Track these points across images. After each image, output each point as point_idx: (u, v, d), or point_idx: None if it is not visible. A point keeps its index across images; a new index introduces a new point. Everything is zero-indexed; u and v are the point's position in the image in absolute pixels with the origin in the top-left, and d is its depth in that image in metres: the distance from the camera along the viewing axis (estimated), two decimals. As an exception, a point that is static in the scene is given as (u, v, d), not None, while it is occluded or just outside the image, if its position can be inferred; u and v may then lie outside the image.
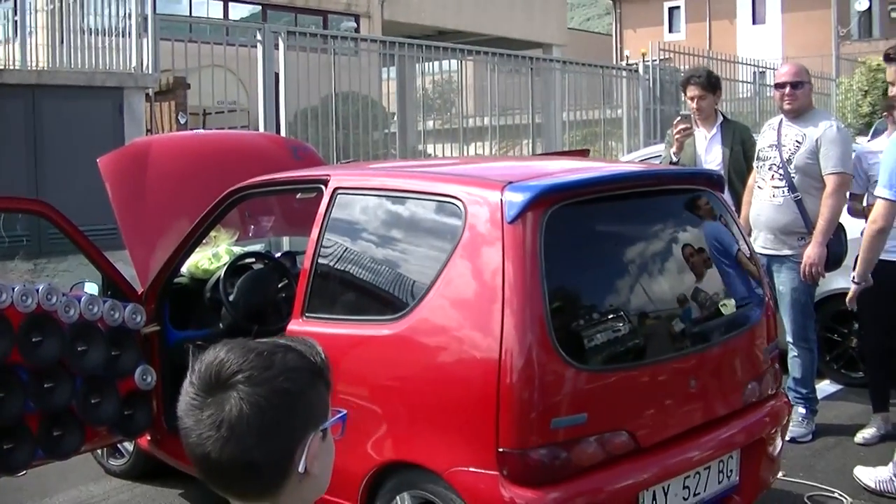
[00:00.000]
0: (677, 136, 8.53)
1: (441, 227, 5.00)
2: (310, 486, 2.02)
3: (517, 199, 4.62)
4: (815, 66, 26.05)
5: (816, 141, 7.33)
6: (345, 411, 2.10)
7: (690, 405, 5.07)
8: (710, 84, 8.64)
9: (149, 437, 6.57)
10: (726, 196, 6.05)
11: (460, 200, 4.86)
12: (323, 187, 5.63)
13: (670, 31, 48.17)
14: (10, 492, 7.04)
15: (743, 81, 23.64)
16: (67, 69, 14.40)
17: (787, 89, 7.56)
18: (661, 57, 20.92)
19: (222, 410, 1.91)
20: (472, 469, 4.56)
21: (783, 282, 7.53)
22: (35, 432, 5.68)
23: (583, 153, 8.88)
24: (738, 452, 5.25)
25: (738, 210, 7.54)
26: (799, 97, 7.52)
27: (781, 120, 7.61)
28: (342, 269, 5.44)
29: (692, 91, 8.66)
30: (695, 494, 5.00)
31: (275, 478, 1.96)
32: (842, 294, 8.06)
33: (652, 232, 5.30)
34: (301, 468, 1.96)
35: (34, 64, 14.90)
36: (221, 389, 1.92)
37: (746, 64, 24.32)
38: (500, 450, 4.45)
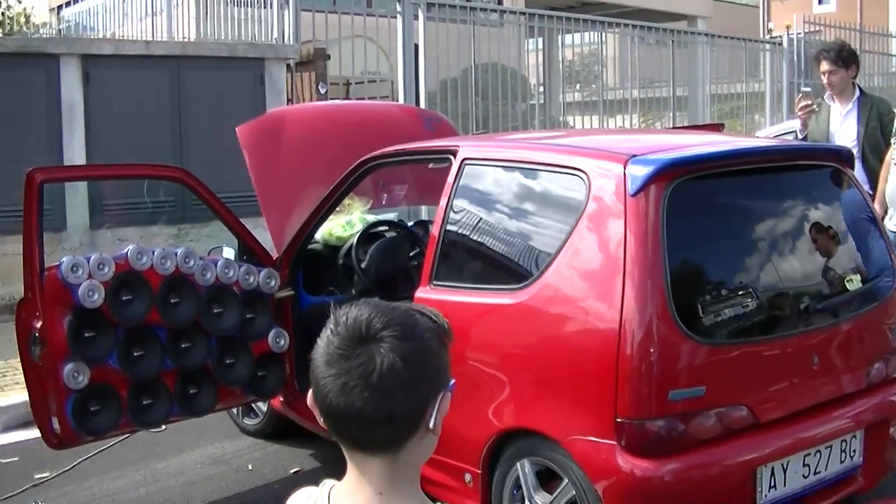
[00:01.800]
0: (800, 114, 8.43)
1: (565, 199, 5.04)
2: (427, 444, 2.08)
3: (640, 172, 4.64)
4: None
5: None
6: (453, 380, 2.15)
7: (812, 382, 5.03)
8: (842, 59, 8.48)
9: (281, 399, 6.75)
10: (858, 172, 5.98)
11: (585, 173, 4.90)
12: (452, 158, 5.72)
13: (819, 2, 47.04)
14: (148, 446, 7.31)
15: (895, 55, 23.06)
16: (211, 41, 14.70)
17: None
18: (807, 30, 20.51)
19: (372, 361, 1.97)
20: (590, 438, 4.61)
21: (917, 260, 7.39)
22: (172, 389, 5.90)
23: (716, 127, 8.80)
24: (861, 433, 5.17)
25: (873, 186, 7.39)
26: None
27: (922, 95, 7.46)
28: (469, 238, 5.52)
29: (823, 66, 8.55)
30: (815, 472, 4.96)
31: (405, 431, 2.02)
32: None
33: (777, 207, 5.26)
34: (431, 424, 2.03)
35: (180, 36, 15.24)
36: (370, 342, 1.99)
37: (898, 37, 23.75)
38: (619, 420, 4.50)
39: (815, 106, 8.49)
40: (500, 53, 15.67)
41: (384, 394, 1.97)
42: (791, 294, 5.07)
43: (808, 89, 8.77)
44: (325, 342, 2.04)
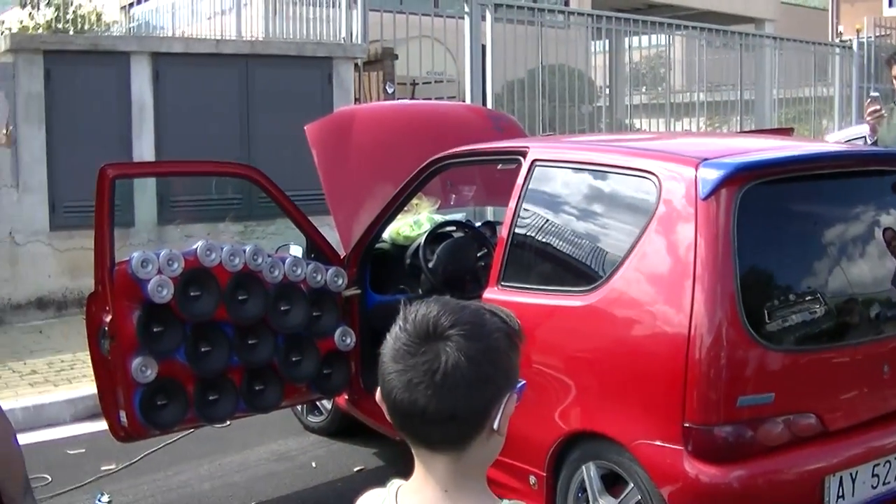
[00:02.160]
0: (869, 119, 8.33)
1: (635, 202, 5.02)
2: (493, 445, 2.07)
3: (711, 175, 4.61)
4: None
5: None
6: (523, 381, 2.14)
7: (883, 391, 4.97)
8: None
9: (346, 397, 6.77)
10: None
11: (655, 175, 4.87)
12: (521, 159, 5.70)
13: (890, 5, 46.37)
14: (214, 441, 7.36)
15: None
16: (279, 40, 14.76)
17: None
18: (878, 33, 20.26)
19: (438, 359, 1.97)
20: (656, 442, 4.59)
21: None
22: (238, 385, 5.95)
23: (786, 132, 8.72)
24: (933, 444, 5.10)
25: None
26: None
27: None
28: (537, 239, 5.51)
29: (895, 70, 8.46)
30: (885, 483, 4.89)
31: (469, 430, 2.01)
32: None
33: (848, 213, 5.19)
34: (496, 425, 2.02)
35: (249, 35, 15.32)
36: (437, 340, 1.99)
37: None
38: (686, 425, 4.47)
39: (884, 111, 8.39)
40: (566, 55, 15.63)
41: (448, 392, 1.96)
42: (861, 301, 5.01)
43: (877, 94, 8.67)
44: (393, 338, 2.04)
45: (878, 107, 8.34)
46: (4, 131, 10.62)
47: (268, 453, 7.34)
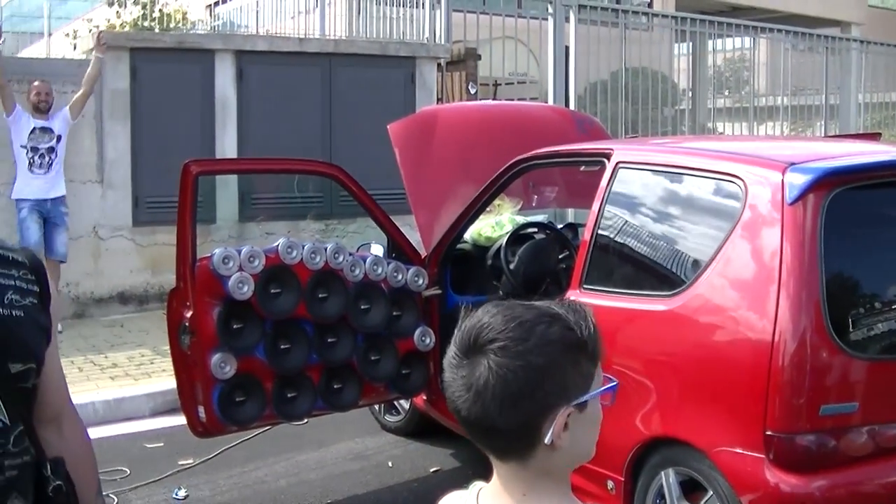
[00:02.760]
0: None
1: (720, 206, 4.97)
2: (563, 455, 2.01)
3: (799, 180, 4.54)
4: None
5: None
6: (615, 381, 2.10)
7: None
8: None
9: (424, 397, 6.76)
10: None
11: (741, 180, 4.81)
12: (606, 161, 5.66)
13: (981, 10, 45.57)
14: (291, 438, 7.40)
15: None
16: (363, 39, 14.82)
17: None
18: (968, 37, 19.95)
19: (473, 374, 1.94)
20: (737, 450, 4.53)
21: None
22: (316, 383, 5.96)
23: (873, 136, 8.59)
24: None
25: None
26: None
27: None
28: (621, 242, 5.47)
29: None
30: (971, 496, 4.81)
31: (520, 444, 1.98)
32: None
33: (939, 220, 5.10)
34: (547, 440, 1.96)
35: (332, 33, 15.40)
36: (476, 353, 1.96)
37: None
38: (768, 433, 4.41)
39: None
40: (649, 57, 15.55)
41: (482, 408, 1.94)
42: (949, 310, 4.91)
43: None
44: (450, 345, 2.03)
45: None
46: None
47: (344, 452, 7.36)
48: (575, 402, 1.98)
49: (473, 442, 2.04)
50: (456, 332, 2.03)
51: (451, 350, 2.02)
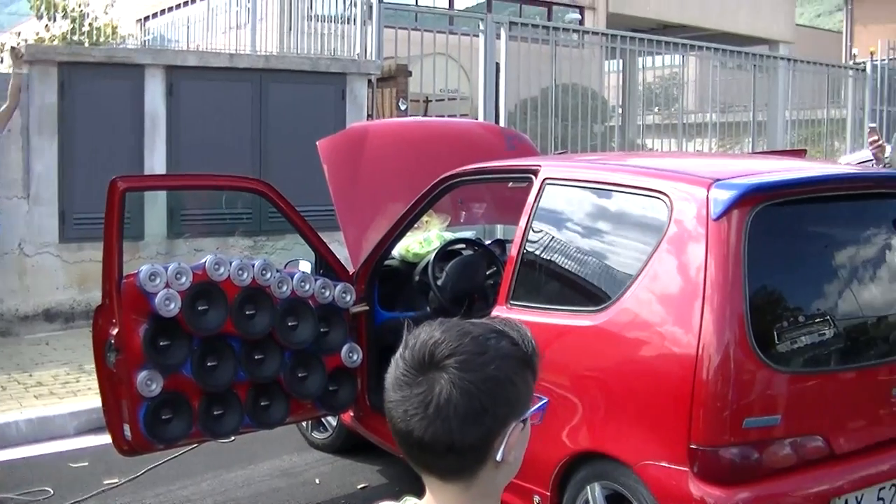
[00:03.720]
0: (871, 149, 8.40)
1: (646, 222, 5.01)
2: (504, 472, 2.04)
3: (723, 196, 4.60)
4: None
5: None
6: (546, 399, 2.12)
7: (891, 415, 4.95)
8: None
9: (352, 413, 6.75)
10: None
11: (667, 196, 4.86)
12: (533, 177, 5.69)
13: (906, 29, 46.22)
14: (218, 456, 7.34)
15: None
16: (294, 55, 14.79)
17: None
18: (892, 56, 20.24)
19: (432, 391, 1.93)
20: (662, 464, 4.57)
21: None
22: (244, 401, 5.94)
23: (799, 153, 8.70)
24: (941, 470, 5.08)
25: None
26: None
27: None
28: (547, 258, 5.50)
29: None
30: (889, 507, 4.88)
31: (472, 462, 1.98)
32: None
33: (860, 236, 5.18)
34: (499, 457, 1.98)
35: (263, 49, 15.36)
36: (433, 369, 1.95)
37: None
38: (692, 446, 4.45)
39: (881, 141, 8.45)
40: (580, 74, 15.65)
41: (442, 425, 1.93)
42: (871, 324, 5.02)
43: (874, 125, 8.76)
44: (394, 365, 2.01)
45: (876, 137, 8.43)
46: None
47: (272, 469, 7.32)
48: (522, 417, 2.01)
49: (416, 465, 2.03)
50: (402, 349, 2.02)
51: (400, 369, 1.99)
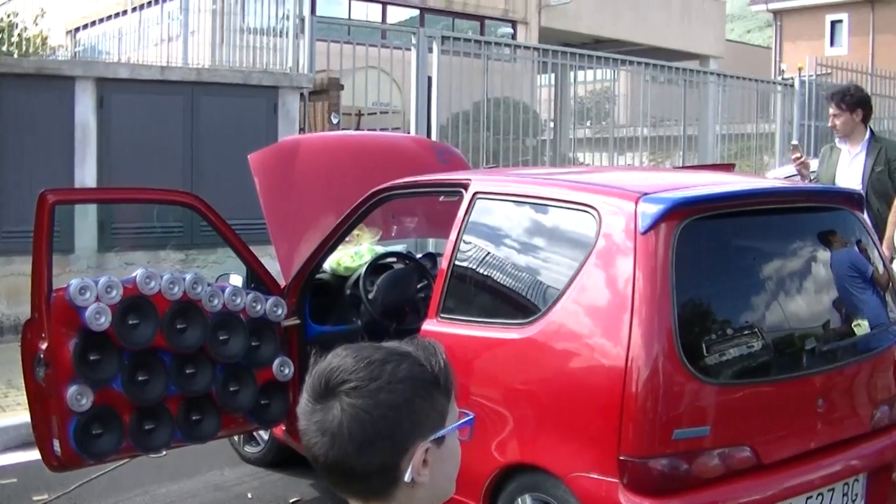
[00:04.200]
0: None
1: (575, 235, 5.06)
2: (426, 492, 2.04)
3: (651, 210, 4.66)
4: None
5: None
6: (472, 415, 2.13)
7: (816, 425, 5.02)
8: (846, 102, 8.59)
9: (284, 427, 6.74)
10: (866, 216, 5.98)
11: (596, 209, 4.91)
12: (463, 191, 5.72)
13: (832, 44, 46.87)
14: (150, 470, 7.29)
15: (905, 100, 23.00)
16: (226, 68, 14.75)
17: None
18: (819, 72, 20.52)
19: (326, 418, 1.96)
20: (592, 475, 4.61)
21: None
22: (175, 415, 5.90)
23: (727, 167, 8.81)
24: (864, 477, 5.17)
25: (878, 230, 7.37)
26: None
27: (932, 141, 7.45)
28: (477, 272, 5.53)
29: (830, 109, 8.73)
30: (818, 516, 4.96)
31: (380, 484, 2.00)
32: None
33: (787, 249, 5.26)
34: (407, 478, 1.98)
35: (195, 62, 15.29)
36: (329, 398, 1.97)
37: (909, 82, 23.64)
38: (621, 457, 4.50)
39: (804, 158, 8.60)
40: (512, 88, 15.73)
41: (339, 451, 1.96)
42: (798, 336, 5.07)
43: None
44: (303, 392, 2.04)
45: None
46: None
47: (203, 484, 7.28)
48: (432, 437, 2.01)
49: (334, 489, 2.05)
50: (307, 378, 2.04)
51: (304, 397, 2.02)
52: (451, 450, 2.07)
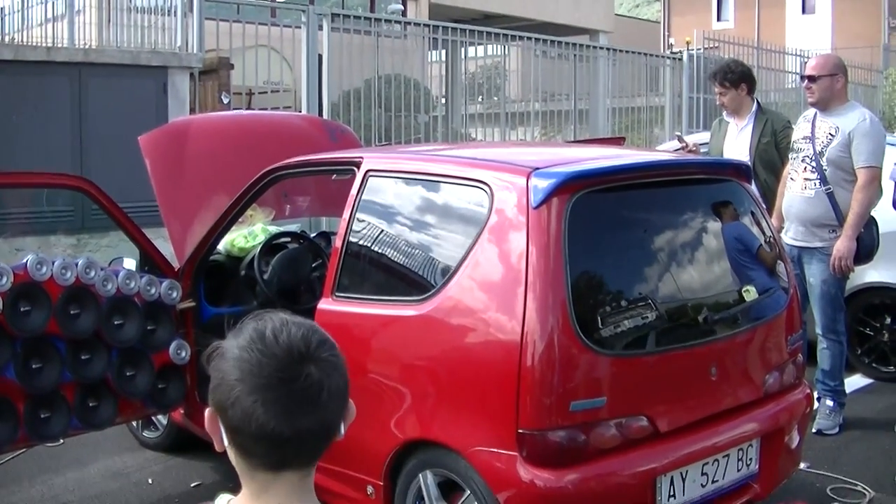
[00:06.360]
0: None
1: (468, 211, 5.08)
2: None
3: (542, 184, 4.70)
4: (864, 57, 25.94)
5: (849, 134, 7.32)
6: None
7: (710, 392, 5.12)
8: (728, 79, 8.77)
9: (182, 411, 6.70)
10: (753, 187, 6.10)
11: (488, 185, 4.94)
12: (355, 169, 5.73)
13: (718, 19, 47.57)
14: (47, 459, 7.20)
15: (790, 72, 23.43)
16: (114, 48, 14.56)
17: (805, 82, 7.64)
18: (706, 45, 20.81)
19: (318, 382, 1.98)
20: (492, 449, 4.65)
21: (813, 274, 7.51)
22: (71, 402, 5.82)
23: (618, 141, 8.90)
24: (757, 441, 5.29)
25: (766, 201, 7.53)
26: (815, 91, 7.50)
27: (816, 113, 7.61)
28: (372, 249, 5.53)
29: (715, 88, 8.89)
30: (713, 481, 5.05)
31: (329, 441, 2.05)
32: (874, 287, 8.14)
33: (677, 221, 5.35)
34: (342, 431, 2.07)
35: (82, 42, 15.08)
36: (312, 361, 1.99)
37: (793, 55, 24.04)
38: (520, 431, 4.54)
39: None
40: (403, 65, 15.73)
41: (331, 409, 2.00)
42: (690, 305, 5.16)
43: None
44: (252, 364, 1.98)
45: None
46: None
47: (103, 471, 7.19)
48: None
49: (268, 462, 2.03)
50: (259, 348, 2.00)
51: (269, 367, 1.97)
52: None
